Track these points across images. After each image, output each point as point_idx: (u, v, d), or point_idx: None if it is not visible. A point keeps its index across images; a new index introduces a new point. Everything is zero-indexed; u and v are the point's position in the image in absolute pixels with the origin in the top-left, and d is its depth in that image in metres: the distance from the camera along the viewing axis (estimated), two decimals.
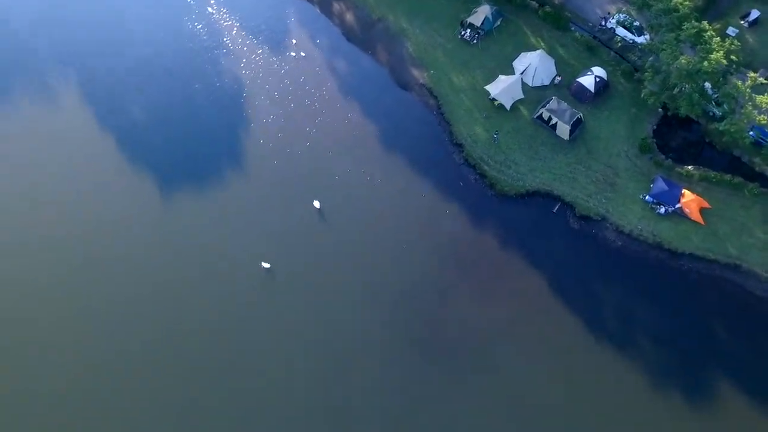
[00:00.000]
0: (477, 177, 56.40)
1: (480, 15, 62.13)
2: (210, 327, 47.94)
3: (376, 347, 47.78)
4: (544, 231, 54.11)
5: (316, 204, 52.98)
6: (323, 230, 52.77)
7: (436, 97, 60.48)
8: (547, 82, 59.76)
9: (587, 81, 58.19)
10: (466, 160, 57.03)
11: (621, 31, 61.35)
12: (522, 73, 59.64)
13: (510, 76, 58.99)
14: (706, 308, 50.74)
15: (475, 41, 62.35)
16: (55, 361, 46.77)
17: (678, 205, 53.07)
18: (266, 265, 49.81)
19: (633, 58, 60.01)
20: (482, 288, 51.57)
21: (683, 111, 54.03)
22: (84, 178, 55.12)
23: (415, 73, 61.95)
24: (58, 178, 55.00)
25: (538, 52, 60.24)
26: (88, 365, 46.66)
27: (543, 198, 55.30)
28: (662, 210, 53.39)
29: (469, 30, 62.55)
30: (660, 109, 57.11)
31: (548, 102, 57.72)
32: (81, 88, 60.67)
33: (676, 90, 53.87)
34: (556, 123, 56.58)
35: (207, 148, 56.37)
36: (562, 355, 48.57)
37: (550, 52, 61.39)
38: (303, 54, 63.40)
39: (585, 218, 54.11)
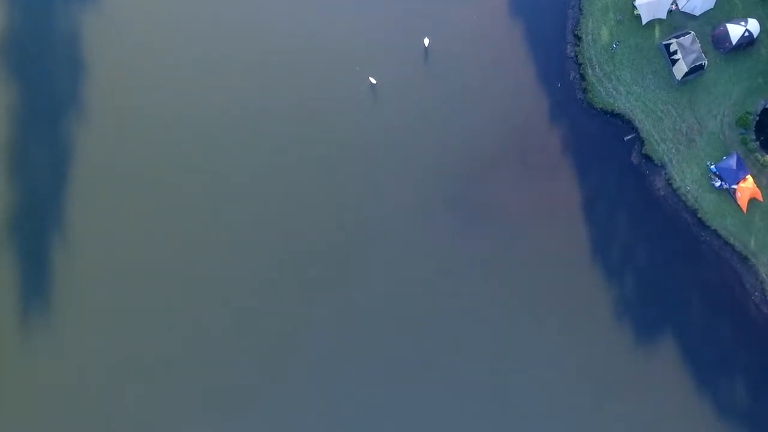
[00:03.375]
0: (577, 77, 59.13)
1: None
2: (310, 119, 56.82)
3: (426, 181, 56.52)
4: (606, 152, 58.64)
5: (426, 42, 57.89)
6: (422, 65, 58.34)
7: None
8: (697, 13, 57.95)
9: (735, 31, 56.31)
10: (576, 56, 59.04)
11: None
12: None
13: None
14: (698, 277, 57.28)
15: None
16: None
17: (734, 186, 56.13)
18: (373, 80, 56.86)
19: None
20: (525, 170, 58.10)
21: None
22: None
23: None
24: None
25: None
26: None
27: (623, 123, 58.51)
28: (718, 183, 56.62)
29: None
30: None
31: (683, 35, 57.04)
32: None
33: None
34: (678, 60, 56.78)
35: None
36: (562, 245, 56.30)
37: None
38: None
39: (647, 158, 57.95)
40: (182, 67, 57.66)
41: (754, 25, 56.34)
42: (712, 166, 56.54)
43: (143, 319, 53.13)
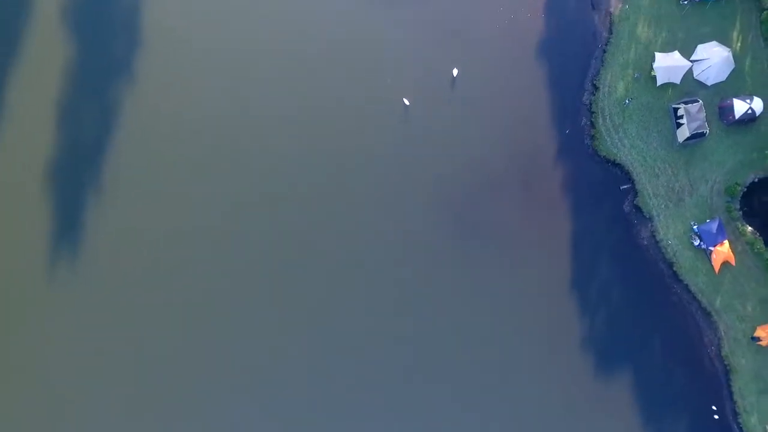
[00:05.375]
0: (587, 123, 63.58)
1: None
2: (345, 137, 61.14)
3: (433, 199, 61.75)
4: (602, 196, 63.36)
5: (455, 72, 62.26)
6: (448, 92, 62.63)
7: (611, 32, 63.65)
8: (709, 83, 62.07)
9: (739, 107, 60.55)
10: (591, 104, 63.34)
11: None
12: (695, 62, 61.79)
13: (682, 59, 61.27)
14: (663, 324, 62.95)
15: (685, 3, 62.51)
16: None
17: (711, 248, 61.24)
18: (407, 101, 61.22)
19: None
20: (525, 200, 63.00)
21: None
22: None
23: None
24: None
25: (727, 54, 61.05)
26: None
27: (621, 173, 63.16)
28: (697, 243, 61.70)
29: None
30: None
31: (692, 102, 61.33)
32: None
33: None
34: (683, 124, 61.23)
35: None
36: (546, 274, 61.80)
37: (738, 56, 62.10)
38: None
39: (638, 208, 62.87)
40: (233, 67, 60.98)
41: (758, 104, 60.61)
42: (695, 227, 61.50)
43: (167, 282, 58.50)
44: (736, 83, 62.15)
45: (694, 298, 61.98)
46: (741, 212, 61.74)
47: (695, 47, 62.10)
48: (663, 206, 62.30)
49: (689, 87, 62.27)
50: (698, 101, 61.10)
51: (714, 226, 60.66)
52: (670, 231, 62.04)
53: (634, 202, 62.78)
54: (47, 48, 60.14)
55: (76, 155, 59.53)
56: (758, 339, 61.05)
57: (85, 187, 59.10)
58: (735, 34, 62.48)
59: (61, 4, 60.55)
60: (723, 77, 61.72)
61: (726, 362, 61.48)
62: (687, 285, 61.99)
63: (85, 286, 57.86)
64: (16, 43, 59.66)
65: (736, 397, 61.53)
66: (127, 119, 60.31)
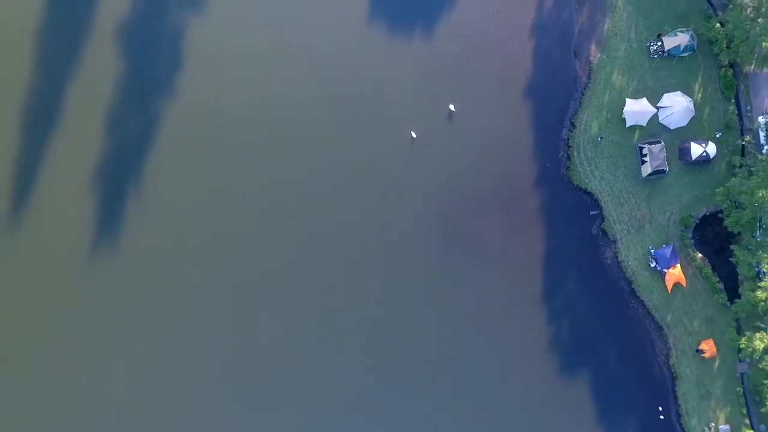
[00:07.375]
0: (564, 156, 73.07)
1: (675, 41, 70.34)
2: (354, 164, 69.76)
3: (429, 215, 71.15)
4: (572, 220, 72.73)
5: (452, 107, 71.82)
6: (446, 126, 71.96)
7: (590, 78, 73.20)
8: (672, 127, 71.47)
9: (695, 150, 69.87)
10: (568, 139, 72.90)
11: (761, 133, 69.95)
12: (660, 108, 71.24)
13: (649, 105, 70.65)
14: (620, 334, 72.31)
15: (655, 57, 72.02)
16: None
17: (665, 270, 70.64)
18: (414, 134, 70.15)
19: (748, 161, 69.87)
20: (506, 220, 72.28)
21: (728, 223, 67.98)
22: None
23: (593, 48, 73.30)
24: None
25: (687, 104, 70.27)
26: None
27: (591, 200, 72.62)
28: (653, 265, 71.11)
29: (658, 45, 71.68)
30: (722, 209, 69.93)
31: (655, 143, 70.71)
32: None
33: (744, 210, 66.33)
34: (646, 161, 70.69)
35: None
36: (519, 285, 71.32)
37: (699, 105, 71.43)
38: None
39: (603, 232, 72.36)
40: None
41: (712, 148, 69.92)
42: (652, 250, 70.84)
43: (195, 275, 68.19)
44: (695, 129, 71.47)
45: (649, 313, 71.32)
46: (693, 240, 71.01)
47: (662, 95, 71.45)
48: (626, 231, 71.71)
49: (654, 129, 71.69)
50: (661, 142, 70.47)
51: (668, 251, 70.00)
52: (630, 253, 71.42)
53: (601, 226, 72.21)
54: (94, 64, 68.15)
55: (119, 161, 68.04)
56: (702, 351, 70.23)
57: (122, 189, 67.74)
58: (697, 86, 71.83)
59: (110, 27, 68.59)
60: (684, 123, 71.05)
61: (673, 370, 70.76)
62: (643, 301, 71.33)
63: (109, 285, 66.43)
64: (68, 57, 67.55)
65: (680, 401, 70.75)
66: (166, 128, 68.67)
